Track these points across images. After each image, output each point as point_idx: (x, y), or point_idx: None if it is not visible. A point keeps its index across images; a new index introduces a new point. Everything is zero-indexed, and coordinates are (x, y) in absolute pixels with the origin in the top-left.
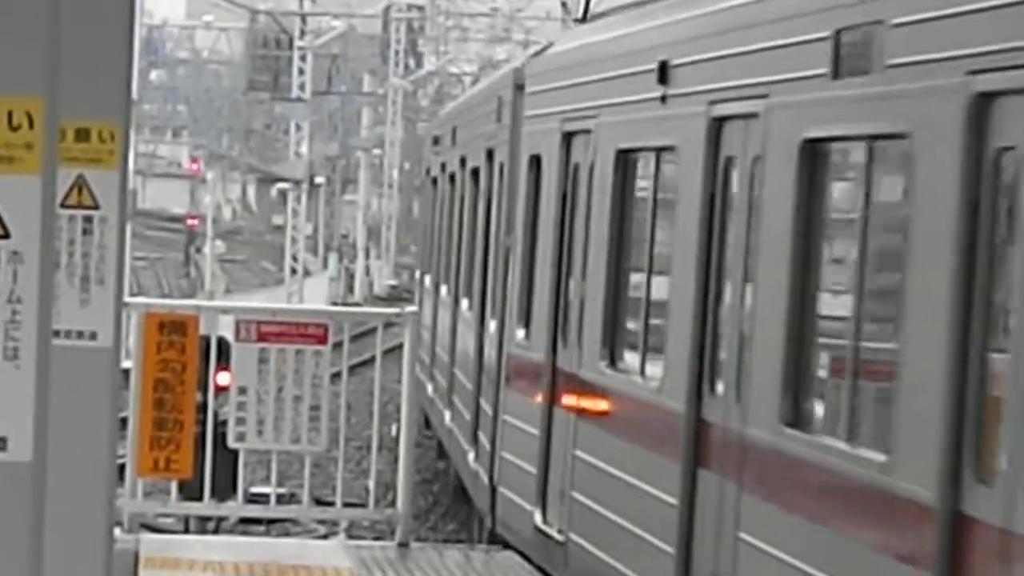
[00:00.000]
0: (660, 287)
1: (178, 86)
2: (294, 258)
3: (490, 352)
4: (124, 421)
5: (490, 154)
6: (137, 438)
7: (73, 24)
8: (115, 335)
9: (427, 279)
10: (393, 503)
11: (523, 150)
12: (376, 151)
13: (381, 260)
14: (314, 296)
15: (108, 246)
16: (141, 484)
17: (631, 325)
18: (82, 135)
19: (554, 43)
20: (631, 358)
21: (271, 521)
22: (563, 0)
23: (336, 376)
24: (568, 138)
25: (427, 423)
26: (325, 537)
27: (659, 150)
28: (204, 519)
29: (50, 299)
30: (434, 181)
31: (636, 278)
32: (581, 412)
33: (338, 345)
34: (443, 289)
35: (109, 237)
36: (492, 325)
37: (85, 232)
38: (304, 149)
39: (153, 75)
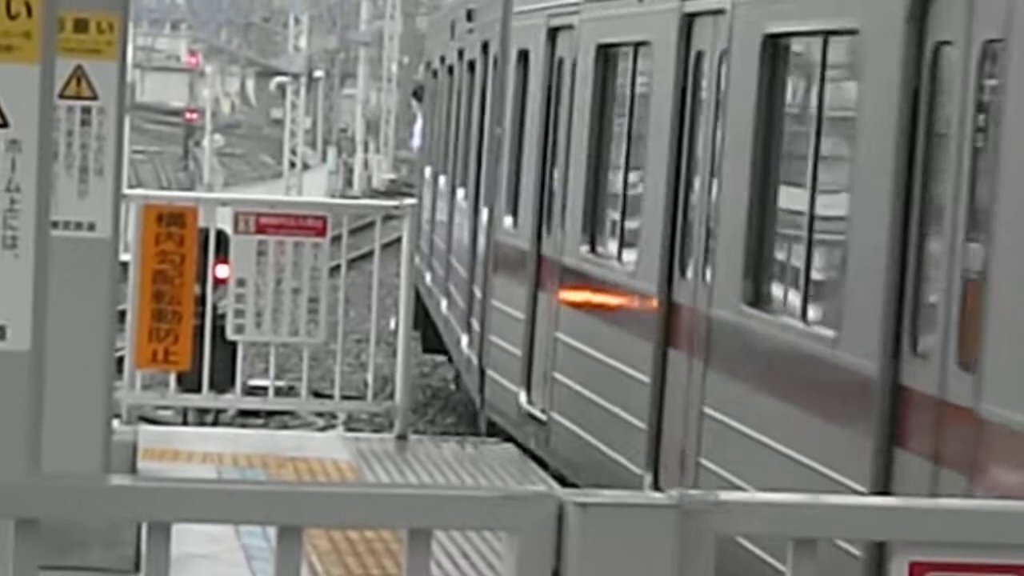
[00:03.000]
0: (633, 179)
1: None
2: (293, 152)
3: (483, 240)
4: (123, 314)
5: (485, 47)
6: (136, 330)
7: None
8: (113, 226)
9: (427, 170)
10: (391, 396)
11: (512, 45)
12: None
13: (380, 154)
14: (313, 190)
15: (107, 137)
16: (140, 376)
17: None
18: (80, 25)
19: None
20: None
21: (269, 413)
22: None
23: (335, 269)
24: (553, 34)
25: (426, 314)
26: (323, 430)
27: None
28: (202, 411)
29: (48, 189)
30: (450, 70)
31: (614, 172)
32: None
33: (337, 238)
34: (442, 180)
35: (108, 128)
36: (484, 214)
37: (83, 123)
38: (303, 42)
39: None
